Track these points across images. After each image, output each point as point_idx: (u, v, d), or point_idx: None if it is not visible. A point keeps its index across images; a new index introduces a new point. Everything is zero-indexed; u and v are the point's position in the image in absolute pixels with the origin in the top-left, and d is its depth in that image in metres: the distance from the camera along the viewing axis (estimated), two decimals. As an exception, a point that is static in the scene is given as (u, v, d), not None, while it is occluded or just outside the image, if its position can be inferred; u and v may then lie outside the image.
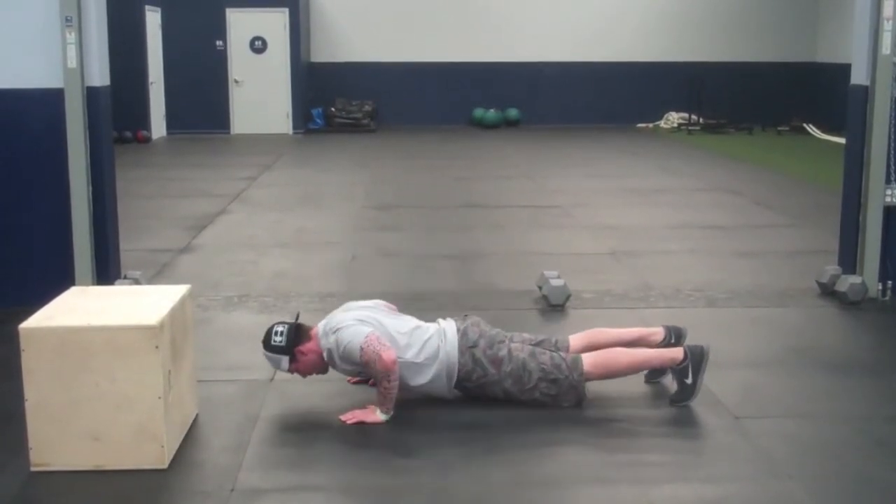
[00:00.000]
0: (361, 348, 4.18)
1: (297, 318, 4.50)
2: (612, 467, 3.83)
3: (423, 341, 4.37)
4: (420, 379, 4.35)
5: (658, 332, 4.70)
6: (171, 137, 17.65)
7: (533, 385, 4.35)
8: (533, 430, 4.19)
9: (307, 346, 4.37)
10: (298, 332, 4.38)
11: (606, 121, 19.27)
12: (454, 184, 11.81)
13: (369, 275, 7.10)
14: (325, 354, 4.34)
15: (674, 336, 4.69)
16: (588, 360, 4.39)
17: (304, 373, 4.45)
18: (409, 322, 4.50)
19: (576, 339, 4.60)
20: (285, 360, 4.35)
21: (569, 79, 19.46)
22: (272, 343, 4.35)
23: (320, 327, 4.41)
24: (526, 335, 4.59)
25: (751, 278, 6.92)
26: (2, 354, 4.74)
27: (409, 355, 4.32)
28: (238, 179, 12.06)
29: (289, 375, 4.50)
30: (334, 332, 4.29)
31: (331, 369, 4.44)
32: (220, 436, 4.12)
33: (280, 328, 4.37)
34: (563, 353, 4.43)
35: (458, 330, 4.43)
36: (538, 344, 4.51)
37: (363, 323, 4.30)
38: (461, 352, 4.35)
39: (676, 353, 4.46)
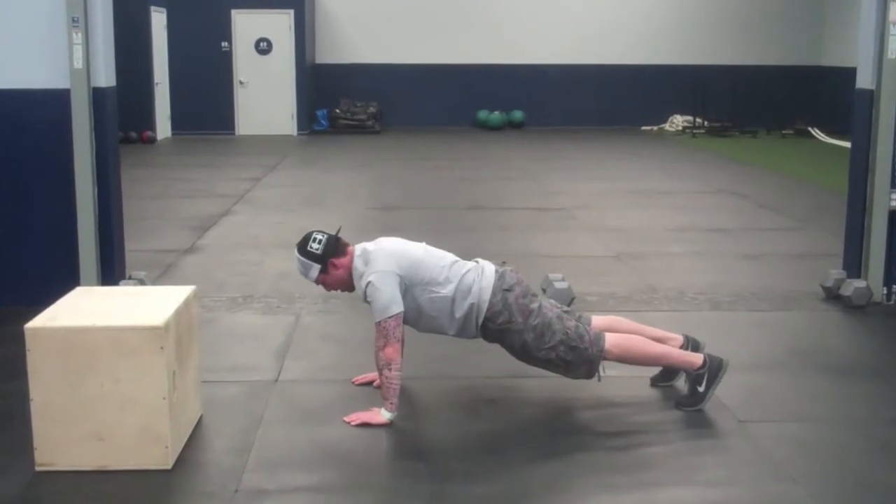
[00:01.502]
0: (380, 323, 4.18)
1: (337, 232, 4.45)
2: (616, 470, 3.83)
3: (459, 275, 4.35)
4: (454, 314, 4.31)
5: (678, 339, 4.65)
6: (176, 138, 17.66)
7: (552, 345, 4.29)
8: (537, 434, 4.19)
9: (341, 261, 4.34)
10: (337, 245, 4.35)
11: (611, 123, 19.27)
12: (458, 185, 11.82)
13: (373, 276, 7.09)
14: (354, 277, 4.32)
15: (691, 346, 4.64)
16: (611, 339, 4.36)
17: (330, 287, 4.42)
18: (448, 257, 4.47)
19: (598, 320, 4.56)
20: (317, 268, 4.32)
21: (573, 81, 19.46)
22: (308, 248, 4.32)
23: (358, 250, 4.38)
24: (554, 302, 4.57)
25: (755, 281, 6.91)
26: (7, 354, 4.75)
27: (447, 290, 4.30)
28: (243, 180, 12.07)
29: (293, 375, 4.51)
30: (372, 273, 4.24)
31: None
32: (225, 437, 4.13)
33: (319, 236, 4.34)
34: (587, 327, 4.41)
35: (497, 272, 4.40)
36: (566, 312, 4.49)
37: (399, 279, 4.23)
38: (494, 292, 4.31)
39: (696, 357, 4.45)
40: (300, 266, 4.39)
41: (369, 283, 4.24)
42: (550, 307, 4.43)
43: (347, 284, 4.41)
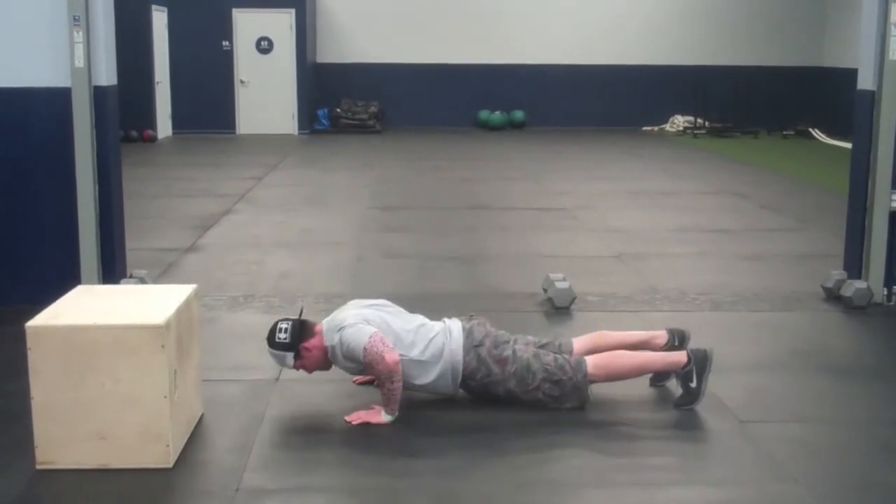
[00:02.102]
0: (365, 348, 4.18)
1: (300, 314, 4.50)
2: (616, 471, 3.83)
3: (428, 339, 4.38)
4: (425, 377, 4.35)
5: (661, 336, 4.70)
6: (176, 137, 17.67)
7: (536, 385, 4.35)
8: (537, 434, 4.19)
9: (312, 343, 4.37)
10: (303, 329, 4.38)
11: (612, 124, 19.27)
12: (459, 185, 11.82)
13: (374, 276, 7.10)
14: (329, 351, 4.35)
15: (677, 339, 4.69)
16: (592, 362, 4.39)
17: (310, 369, 4.45)
18: (415, 320, 4.50)
19: (579, 342, 4.60)
20: (290, 356, 4.35)
21: (574, 81, 19.46)
22: (276, 340, 4.34)
23: (325, 324, 4.42)
24: (530, 338, 4.60)
25: (756, 282, 6.91)
26: (8, 353, 4.75)
27: (414, 353, 4.33)
28: (243, 179, 12.08)
29: (295, 375, 4.51)
30: (339, 329, 4.30)
31: (334, 367, 4.44)
32: (226, 436, 4.13)
33: (284, 325, 4.36)
34: (566, 356, 4.43)
35: (464, 329, 4.43)
36: (542, 346, 4.52)
37: (367, 322, 4.30)
38: (466, 350, 4.36)
39: (680, 356, 4.46)
40: (275, 358, 4.40)
41: (340, 337, 4.26)
42: (525, 348, 4.44)
43: (324, 363, 4.43)
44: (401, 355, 4.26)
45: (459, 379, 4.38)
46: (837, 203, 8.40)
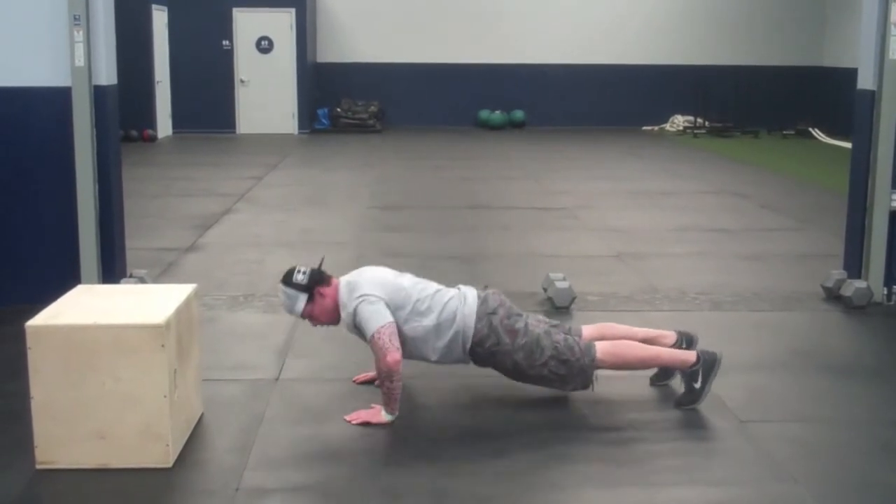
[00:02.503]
0: (373, 336, 4.18)
1: (320, 263, 4.47)
2: (617, 470, 3.83)
3: (442, 304, 4.36)
4: (437, 344, 4.33)
5: (670, 336, 4.67)
6: (176, 136, 17.67)
7: (543, 362, 4.32)
8: (538, 433, 4.18)
9: (327, 290, 4.36)
10: (321, 275, 4.37)
11: (612, 123, 19.27)
12: (460, 185, 11.82)
13: (374, 275, 7.09)
14: (340, 308, 4.34)
15: (685, 341, 4.66)
16: (601, 347, 4.38)
17: (317, 318, 4.42)
18: (430, 286, 4.49)
19: (588, 329, 4.57)
20: (303, 298, 4.33)
21: (574, 81, 19.46)
22: (293, 280, 4.33)
23: (342, 281, 4.40)
24: (541, 317, 4.58)
25: (756, 282, 6.91)
26: (8, 352, 4.75)
27: (429, 320, 4.32)
28: (244, 179, 12.07)
29: (295, 374, 4.51)
30: (357, 298, 4.27)
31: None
32: (225, 435, 4.13)
33: (303, 268, 4.36)
34: (576, 338, 4.42)
35: (479, 296, 4.42)
36: (553, 326, 4.50)
37: (384, 300, 4.25)
38: (479, 317, 4.33)
39: (689, 355, 4.45)
40: (286, 298, 4.39)
41: (356, 307, 4.26)
42: (537, 323, 4.43)
43: (333, 315, 4.43)
44: (415, 321, 4.26)
45: (469, 345, 4.35)
46: (837, 203, 8.40)
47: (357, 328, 4.31)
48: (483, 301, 4.40)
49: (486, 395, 4.60)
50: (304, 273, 4.34)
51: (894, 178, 6.18)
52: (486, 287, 4.59)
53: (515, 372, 4.40)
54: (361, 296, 4.27)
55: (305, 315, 4.42)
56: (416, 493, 3.63)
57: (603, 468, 3.85)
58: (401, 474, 3.79)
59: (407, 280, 4.46)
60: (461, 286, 4.55)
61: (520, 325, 4.37)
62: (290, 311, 4.43)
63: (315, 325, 4.50)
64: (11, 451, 3.89)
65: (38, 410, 3.70)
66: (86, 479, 3.67)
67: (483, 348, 4.36)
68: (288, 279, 4.36)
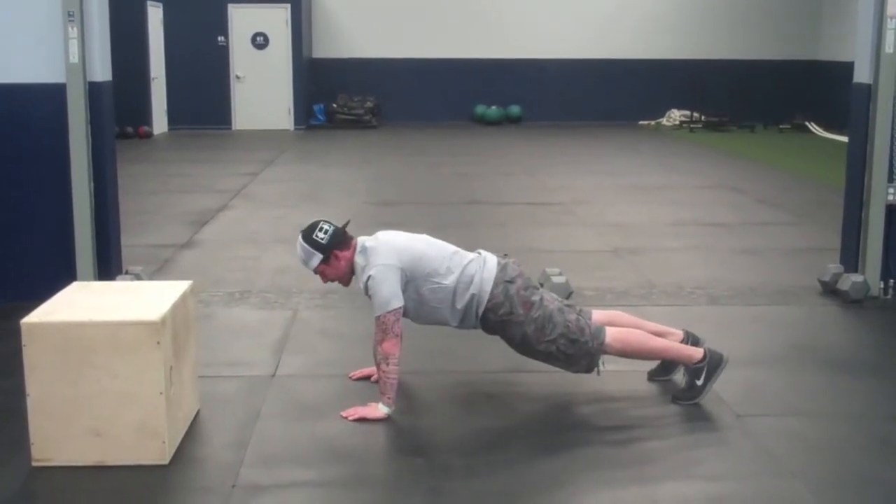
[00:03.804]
0: (379, 317, 4.18)
1: (345, 225, 4.45)
2: (615, 465, 3.83)
3: (461, 266, 4.35)
4: (455, 305, 4.31)
5: (678, 334, 4.64)
6: (172, 133, 17.64)
7: (553, 338, 4.29)
8: (536, 429, 4.19)
9: (344, 254, 4.35)
10: (342, 237, 4.35)
11: (608, 118, 19.26)
12: (456, 180, 11.81)
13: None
14: (356, 270, 4.33)
15: (691, 342, 4.63)
16: (611, 333, 4.35)
17: (327, 278, 4.42)
18: (448, 247, 4.47)
19: (598, 315, 4.54)
20: (318, 258, 4.31)
21: (571, 76, 19.45)
22: (313, 237, 4.31)
23: (360, 243, 4.38)
24: (555, 295, 4.57)
25: (753, 276, 6.91)
26: (3, 350, 4.74)
27: (448, 280, 4.30)
28: (240, 175, 12.06)
29: (291, 371, 4.51)
30: (374, 266, 4.24)
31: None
32: (222, 432, 4.12)
33: (326, 226, 4.34)
34: (588, 320, 4.40)
35: (499, 263, 4.40)
36: (567, 305, 4.48)
37: (400, 272, 4.23)
38: (496, 283, 4.31)
39: (696, 351, 4.44)
40: (302, 253, 4.37)
41: (370, 276, 4.23)
42: (551, 300, 4.42)
43: (346, 277, 4.41)
44: (435, 283, 4.26)
45: (482, 309, 4.32)
46: (834, 197, 8.39)
47: (368, 294, 4.28)
48: (503, 268, 4.37)
49: (483, 391, 4.59)
50: (326, 232, 4.32)
51: (891, 172, 6.18)
52: (506, 255, 4.57)
53: (523, 344, 4.37)
54: (377, 265, 4.24)
55: (317, 272, 4.40)
56: (413, 489, 3.62)
57: (601, 463, 3.85)
58: (398, 470, 3.79)
59: (424, 243, 4.43)
60: (481, 251, 4.53)
61: (535, 297, 4.35)
62: (304, 264, 4.42)
63: (325, 282, 4.48)
64: (7, 449, 3.89)
65: (33, 408, 3.70)
66: (82, 477, 3.66)
67: (496, 315, 4.33)
68: (308, 235, 4.33)
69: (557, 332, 4.30)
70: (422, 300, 4.30)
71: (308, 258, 4.35)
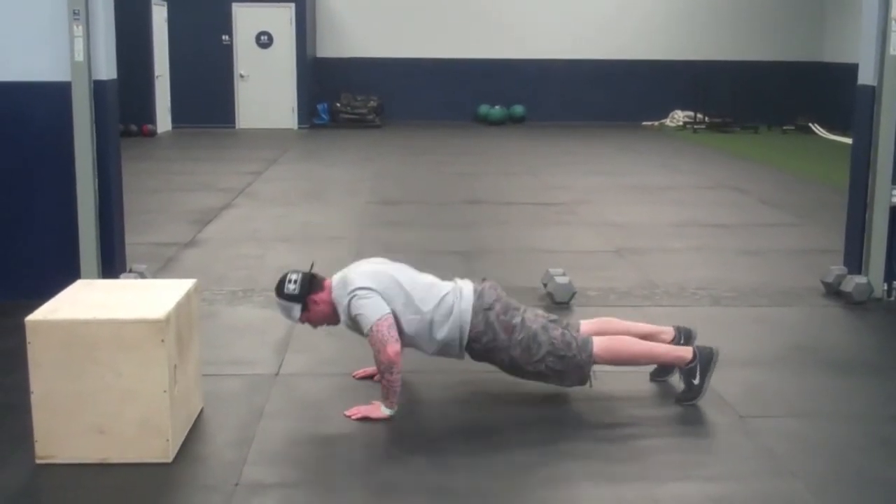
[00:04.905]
0: (371, 329, 4.17)
1: (311, 268, 4.46)
2: (616, 465, 3.83)
3: (439, 298, 4.34)
4: (434, 339, 4.32)
5: (668, 332, 4.67)
6: (176, 131, 17.66)
7: (540, 357, 4.30)
8: (537, 428, 4.19)
9: (320, 297, 4.35)
10: (312, 282, 4.36)
11: (612, 118, 19.26)
12: (459, 180, 11.81)
13: (374, 270, 7.09)
14: (337, 308, 4.33)
15: (683, 337, 4.66)
16: (598, 343, 4.36)
17: (315, 323, 4.43)
18: (426, 278, 4.47)
19: (587, 325, 4.55)
20: (297, 308, 4.33)
21: (574, 76, 19.45)
22: (285, 291, 4.32)
23: (335, 279, 4.39)
24: (539, 311, 4.55)
25: (756, 277, 6.91)
26: (8, 347, 4.75)
27: (425, 314, 4.30)
28: (243, 174, 12.07)
29: (294, 369, 4.52)
30: (349, 293, 4.25)
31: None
32: (225, 430, 4.13)
33: (294, 276, 4.34)
34: (574, 333, 4.40)
35: (475, 290, 4.40)
36: (551, 321, 4.48)
37: (379, 292, 4.24)
38: (475, 312, 4.31)
39: (686, 352, 4.45)
40: (282, 309, 4.40)
41: (349, 302, 4.25)
42: (534, 318, 4.40)
43: (332, 317, 4.42)
44: (411, 315, 4.25)
45: (465, 340, 4.33)
46: (837, 198, 8.40)
47: (354, 322, 4.29)
48: (479, 296, 4.37)
49: (485, 390, 4.60)
50: (295, 282, 4.32)
51: (895, 174, 6.17)
52: (483, 280, 4.57)
53: (512, 367, 4.38)
54: (354, 290, 4.25)
55: (303, 321, 4.43)
56: (414, 488, 3.63)
57: (602, 463, 3.85)
58: (400, 469, 3.79)
59: (401, 273, 4.42)
60: (457, 279, 4.53)
61: (517, 320, 4.34)
62: (287, 318, 4.45)
63: (316, 327, 4.50)
64: (11, 446, 3.90)
65: (37, 405, 3.71)
66: (86, 474, 3.67)
67: (480, 344, 4.34)
68: (280, 290, 4.35)
69: (544, 350, 4.30)
70: (400, 331, 4.28)
71: (288, 312, 4.37)
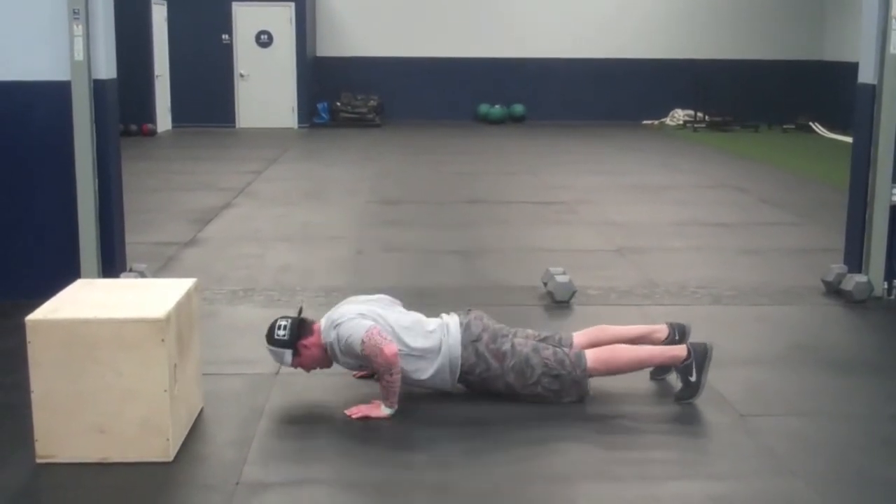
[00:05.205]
0: (363, 341, 4.18)
1: (300, 312, 4.50)
2: (617, 464, 3.83)
3: (425, 334, 4.38)
4: (423, 373, 4.35)
5: (662, 329, 4.69)
6: (176, 131, 17.66)
7: (535, 380, 4.34)
8: (537, 427, 4.19)
9: (310, 341, 4.37)
10: (301, 327, 4.38)
11: (612, 118, 19.25)
12: (459, 179, 11.81)
13: (374, 270, 7.10)
14: (328, 349, 4.35)
15: (677, 333, 4.68)
16: (591, 356, 4.39)
17: (308, 367, 4.45)
18: (411, 316, 4.50)
19: (580, 336, 4.59)
20: (288, 354, 4.35)
21: (574, 75, 19.44)
22: (275, 337, 4.35)
23: (323, 321, 4.42)
24: (530, 331, 4.60)
25: (756, 276, 6.91)
26: (8, 346, 4.75)
27: (412, 349, 4.32)
28: (243, 173, 12.07)
29: (294, 369, 4.51)
30: (335, 326, 4.30)
31: (335, 364, 4.45)
32: (226, 429, 4.13)
33: (283, 322, 4.37)
34: (566, 349, 4.43)
35: (462, 324, 4.43)
36: (542, 340, 4.51)
37: (364, 317, 4.30)
38: (464, 346, 4.36)
39: (680, 350, 4.46)
40: (273, 355, 4.41)
41: (337, 333, 4.27)
42: (524, 342, 4.43)
43: (323, 361, 4.44)
44: (399, 350, 4.26)
45: (458, 374, 4.38)
46: (837, 197, 8.40)
47: (347, 351, 4.28)
48: (466, 328, 4.40)
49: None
50: (285, 328, 4.34)
51: (895, 173, 6.17)
52: (469, 311, 4.58)
53: (509, 392, 4.41)
54: (339, 322, 4.29)
55: (295, 366, 4.44)
56: (415, 486, 3.63)
57: (602, 461, 3.85)
58: (400, 468, 3.79)
59: (387, 310, 4.45)
60: (443, 315, 4.54)
61: (506, 347, 4.37)
62: (280, 364, 4.46)
63: (308, 371, 4.50)
64: (11, 445, 3.90)
65: (38, 404, 3.70)
66: (86, 473, 3.67)
67: (474, 375, 4.38)
68: (270, 337, 4.37)
69: (538, 372, 4.34)
70: None
71: (280, 358, 4.39)
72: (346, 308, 4.42)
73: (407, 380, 4.35)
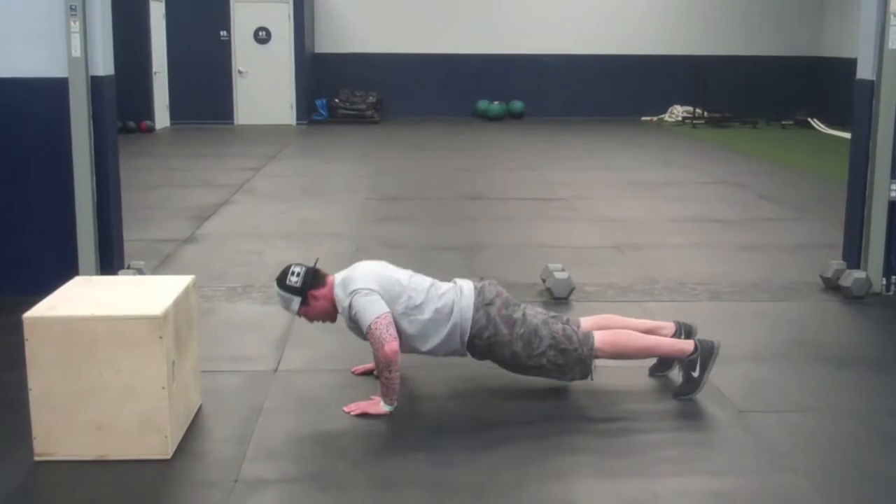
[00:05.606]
0: (370, 327, 4.18)
1: (315, 263, 4.47)
2: (616, 460, 3.83)
3: (438, 296, 4.36)
4: (434, 338, 4.33)
5: (669, 327, 4.68)
6: (174, 127, 17.64)
7: (541, 351, 4.31)
8: (536, 424, 4.18)
9: (321, 292, 4.36)
10: (315, 277, 4.37)
11: (611, 114, 19.25)
12: (458, 176, 11.80)
13: (373, 266, 7.08)
14: (338, 306, 4.34)
15: (684, 332, 4.66)
16: (599, 337, 4.38)
17: (312, 318, 4.44)
18: (426, 279, 4.48)
19: (587, 322, 4.57)
20: (297, 301, 4.34)
21: (573, 71, 19.43)
22: (287, 282, 4.34)
23: (337, 278, 4.40)
24: (540, 309, 4.58)
25: (755, 272, 6.91)
26: (6, 344, 4.74)
27: (426, 313, 4.31)
28: (242, 170, 12.05)
29: (293, 365, 4.51)
30: (350, 293, 4.27)
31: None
32: (224, 426, 4.12)
33: (297, 269, 4.36)
34: (575, 327, 4.41)
35: (476, 288, 4.41)
36: (552, 317, 4.49)
37: (379, 292, 4.25)
38: (476, 308, 4.33)
39: (687, 344, 4.46)
40: (281, 300, 4.42)
41: (351, 302, 4.26)
42: (535, 314, 4.43)
43: (330, 314, 4.44)
44: (411, 315, 4.26)
45: (467, 337, 4.35)
46: (836, 193, 8.39)
47: (354, 322, 4.30)
48: (480, 292, 4.39)
49: (484, 385, 4.59)
50: (298, 275, 4.34)
51: (894, 169, 6.17)
52: (482, 279, 4.58)
53: (514, 362, 4.39)
54: (355, 290, 4.27)
55: (300, 315, 4.44)
56: (414, 484, 3.63)
57: (602, 458, 3.85)
58: (399, 465, 3.79)
59: (401, 273, 4.45)
60: (457, 279, 4.54)
61: (517, 314, 4.36)
62: (286, 309, 4.46)
63: (311, 322, 4.50)
64: (9, 443, 3.89)
65: (36, 402, 3.70)
66: (84, 471, 3.67)
67: (481, 339, 4.35)
68: (282, 282, 4.36)
69: (545, 344, 4.32)
70: (401, 332, 4.29)
71: (287, 304, 4.39)
72: (360, 271, 4.37)
73: (417, 345, 4.34)
